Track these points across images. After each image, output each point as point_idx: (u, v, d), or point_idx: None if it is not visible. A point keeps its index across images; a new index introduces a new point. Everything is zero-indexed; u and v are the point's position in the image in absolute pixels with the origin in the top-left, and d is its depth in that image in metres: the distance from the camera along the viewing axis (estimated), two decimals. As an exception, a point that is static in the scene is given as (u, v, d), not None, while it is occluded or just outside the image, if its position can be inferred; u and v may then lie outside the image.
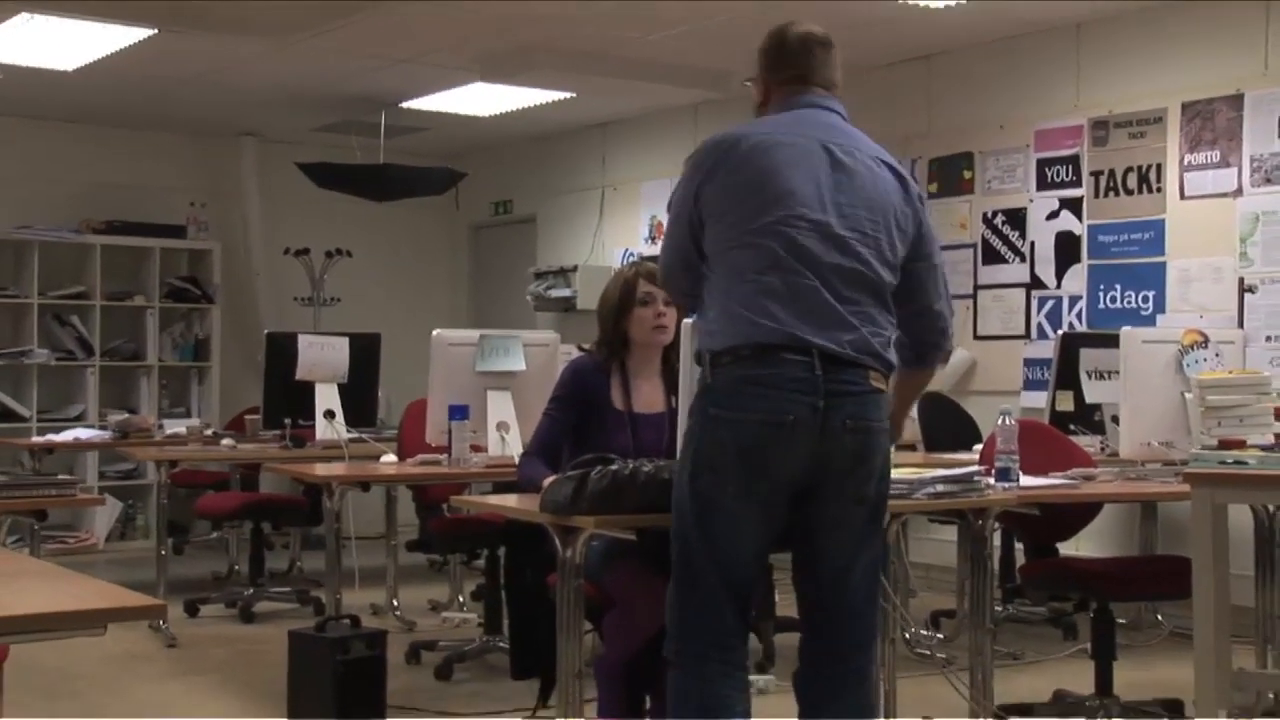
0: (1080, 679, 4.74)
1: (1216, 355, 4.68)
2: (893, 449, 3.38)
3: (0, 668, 3.12)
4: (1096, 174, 6.95)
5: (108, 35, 7.14)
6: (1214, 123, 6.46)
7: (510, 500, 4.00)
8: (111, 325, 9.39)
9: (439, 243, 10.97)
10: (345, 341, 6.45)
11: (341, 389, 6.28)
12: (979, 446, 5.71)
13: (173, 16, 6.80)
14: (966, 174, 7.55)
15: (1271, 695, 4.73)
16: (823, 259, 3.06)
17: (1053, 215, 7.15)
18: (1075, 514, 4.88)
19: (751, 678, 5.03)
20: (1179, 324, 5.98)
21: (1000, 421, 4.19)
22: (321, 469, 5.41)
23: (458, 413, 5.11)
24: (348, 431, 6.09)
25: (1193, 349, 4.66)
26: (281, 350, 6.41)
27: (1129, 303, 6.80)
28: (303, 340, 6.38)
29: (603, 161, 9.64)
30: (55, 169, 9.37)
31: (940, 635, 6.02)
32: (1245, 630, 4.75)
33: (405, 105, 8.80)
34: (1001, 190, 7.39)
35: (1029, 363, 7.21)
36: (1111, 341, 4.95)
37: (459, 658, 5.46)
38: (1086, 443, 5.31)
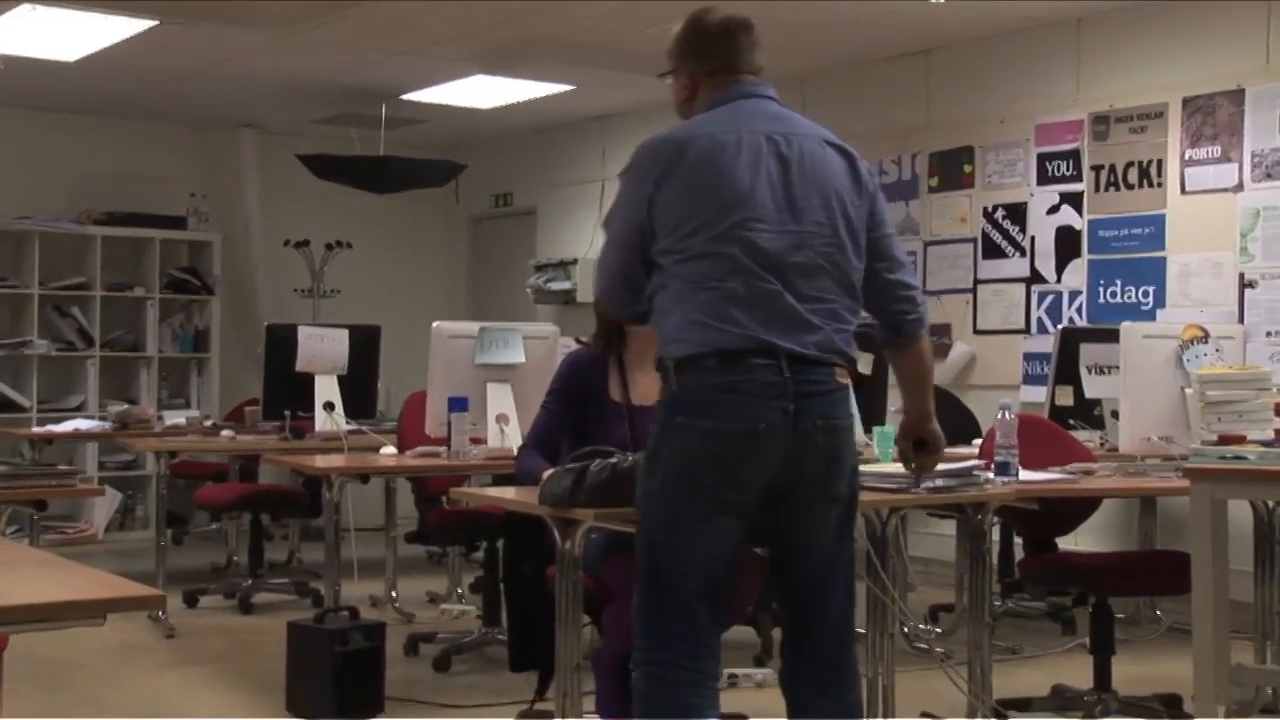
0: (1079, 674, 4.74)
1: (1217, 350, 4.68)
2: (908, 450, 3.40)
3: (0, 657, 3.13)
4: (1097, 168, 6.95)
5: (109, 26, 7.15)
6: (1215, 118, 6.46)
7: (510, 493, 4.00)
8: (111, 316, 9.38)
9: (439, 235, 10.97)
10: (345, 333, 6.44)
11: (341, 381, 6.27)
12: (978, 441, 5.70)
13: (174, 8, 6.80)
14: (966, 168, 7.55)
15: (1270, 691, 4.73)
16: (784, 259, 3.00)
17: (1053, 210, 7.14)
18: (1074, 509, 4.88)
19: (749, 671, 5.11)
20: (1179, 319, 5.97)
21: (1000, 416, 4.18)
22: (321, 460, 5.40)
23: (457, 405, 5.11)
24: (347, 423, 6.08)
25: (1193, 344, 4.66)
26: (281, 342, 6.41)
27: (1129, 298, 6.80)
28: (302, 332, 6.38)
29: (602, 154, 9.62)
30: (56, 160, 9.37)
31: (939, 630, 6.02)
32: (1244, 626, 4.75)
33: (405, 97, 8.80)
34: (1002, 185, 7.39)
35: (1029, 357, 7.21)
36: (1111, 336, 4.95)
37: (457, 650, 5.47)
38: (1086, 438, 5.31)
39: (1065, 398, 5.69)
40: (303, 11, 6.91)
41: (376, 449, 5.73)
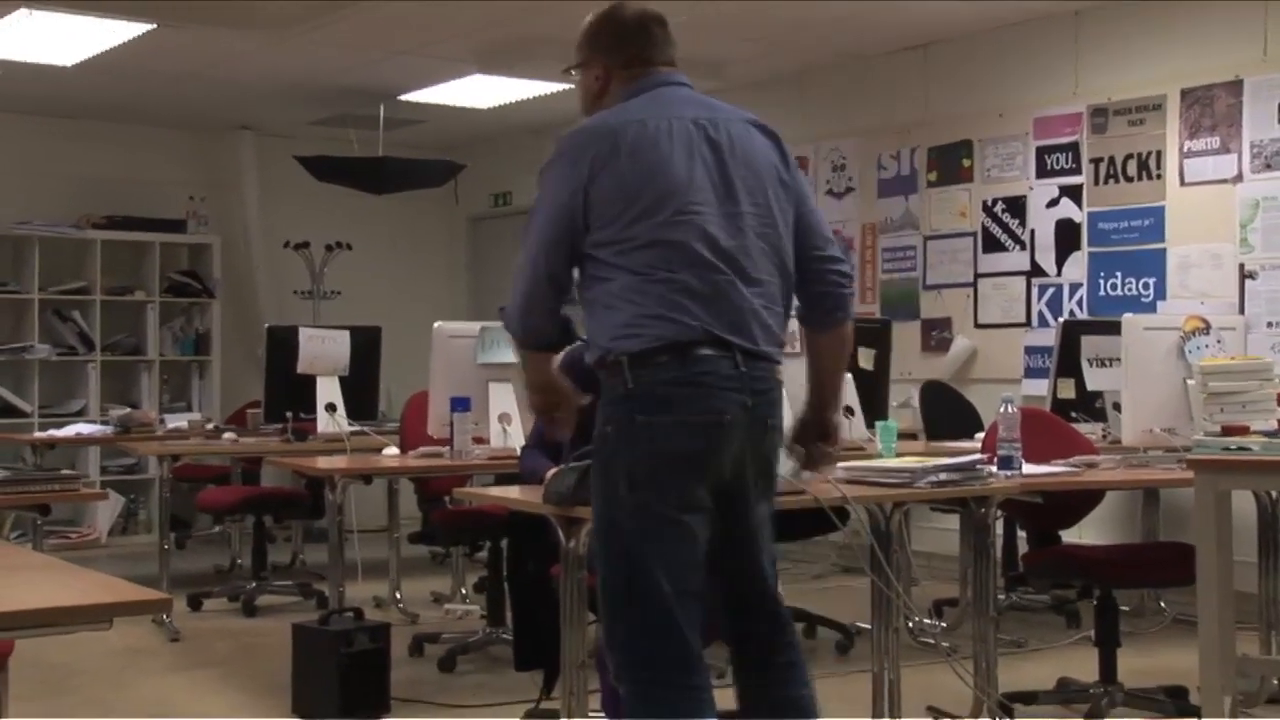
0: (1084, 666, 4.74)
1: (1218, 341, 4.68)
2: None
3: (5, 663, 3.13)
4: (1096, 161, 6.94)
5: (106, 30, 7.14)
6: (1213, 109, 6.46)
7: (513, 492, 4.00)
8: (112, 320, 9.38)
9: (438, 235, 10.96)
10: (346, 335, 6.45)
11: (343, 382, 6.28)
12: (981, 435, 5.71)
13: (171, 11, 6.80)
14: (966, 162, 7.55)
15: (1276, 681, 4.72)
16: (729, 244, 2.93)
17: (1053, 203, 7.14)
18: (1078, 501, 4.88)
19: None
20: (1180, 311, 5.98)
21: (1002, 409, 4.19)
22: (323, 462, 5.41)
23: (459, 405, 5.11)
24: (349, 424, 6.09)
25: (1194, 335, 4.66)
26: (282, 344, 6.41)
27: (1129, 290, 6.79)
28: (303, 334, 6.38)
29: (602, 153, 9.61)
30: (54, 164, 9.36)
31: (943, 624, 6.02)
32: (1249, 617, 4.74)
33: (404, 98, 8.79)
34: (1001, 178, 7.38)
35: (1030, 350, 7.21)
36: (1113, 328, 4.95)
37: (462, 650, 5.46)
38: (1088, 430, 5.31)
39: (1067, 390, 5.70)
40: (300, 12, 6.91)
41: (379, 450, 5.73)
